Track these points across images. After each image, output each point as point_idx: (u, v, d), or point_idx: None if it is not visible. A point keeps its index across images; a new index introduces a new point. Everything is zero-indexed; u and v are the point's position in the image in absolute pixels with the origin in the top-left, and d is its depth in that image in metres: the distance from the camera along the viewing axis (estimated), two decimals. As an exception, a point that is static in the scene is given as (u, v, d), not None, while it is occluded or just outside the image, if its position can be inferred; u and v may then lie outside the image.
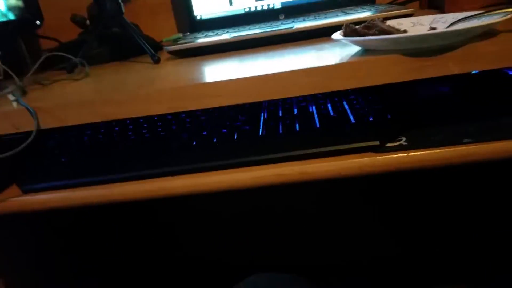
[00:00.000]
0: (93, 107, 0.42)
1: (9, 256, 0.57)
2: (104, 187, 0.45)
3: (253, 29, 0.60)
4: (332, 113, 0.48)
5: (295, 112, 0.50)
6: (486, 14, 0.42)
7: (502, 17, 0.39)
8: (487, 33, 0.41)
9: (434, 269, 0.82)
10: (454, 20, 0.44)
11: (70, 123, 0.43)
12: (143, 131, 0.51)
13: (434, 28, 0.46)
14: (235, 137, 0.46)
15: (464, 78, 0.40)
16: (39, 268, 0.63)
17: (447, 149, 0.41)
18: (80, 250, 0.74)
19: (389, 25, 0.43)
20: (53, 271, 0.66)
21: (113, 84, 0.50)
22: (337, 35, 0.44)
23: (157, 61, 0.57)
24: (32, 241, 0.63)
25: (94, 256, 0.78)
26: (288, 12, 0.71)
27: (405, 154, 0.42)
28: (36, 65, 0.54)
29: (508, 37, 0.40)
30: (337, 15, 0.61)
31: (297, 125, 0.47)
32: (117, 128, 0.53)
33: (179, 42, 0.59)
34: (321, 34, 0.56)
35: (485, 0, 0.62)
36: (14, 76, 0.51)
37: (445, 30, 0.38)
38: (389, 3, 0.75)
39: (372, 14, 0.57)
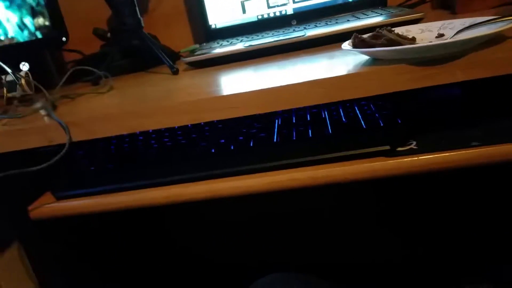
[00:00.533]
0: (119, 121, 0.45)
1: (41, 257, 0.61)
2: (129, 193, 0.49)
3: (266, 37, 0.63)
4: (344, 119, 0.50)
5: (308, 119, 0.52)
6: (494, 21, 0.43)
7: (509, 23, 0.40)
8: (495, 39, 0.42)
9: (445, 271, 0.83)
10: (462, 27, 0.45)
11: (99, 135, 0.46)
12: (165, 140, 0.54)
13: (442, 35, 0.47)
14: (251, 144, 0.49)
15: (473, 82, 0.41)
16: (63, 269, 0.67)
17: (456, 152, 0.43)
18: (93, 254, 0.77)
19: (397, 33, 0.45)
20: (71, 273, 0.70)
21: (137, 97, 0.53)
22: (346, 46, 0.46)
23: (175, 72, 0.60)
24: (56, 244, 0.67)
25: (104, 260, 0.81)
26: (300, 18, 0.73)
27: (416, 158, 0.43)
28: (64, 79, 0.57)
29: (515, 44, 0.41)
30: (348, 20, 0.63)
31: (310, 132, 0.49)
32: (141, 138, 0.56)
33: (195, 53, 0.62)
34: (332, 41, 0.57)
35: (497, -1, 0.62)
36: (44, 91, 0.55)
37: (450, 40, 0.40)
38: (400, 4, 0.75)
39: (383, 19, 0.58)
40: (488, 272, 0.82)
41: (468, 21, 0.46)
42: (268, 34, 0.66)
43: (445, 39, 0.45)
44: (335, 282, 0.47)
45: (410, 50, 0.40)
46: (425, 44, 0.39)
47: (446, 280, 0.83)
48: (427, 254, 0.85)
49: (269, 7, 0.74)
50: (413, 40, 0.46)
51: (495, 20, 0.43)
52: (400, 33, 0.45)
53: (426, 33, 0.49)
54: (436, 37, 0.47)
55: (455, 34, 0.45)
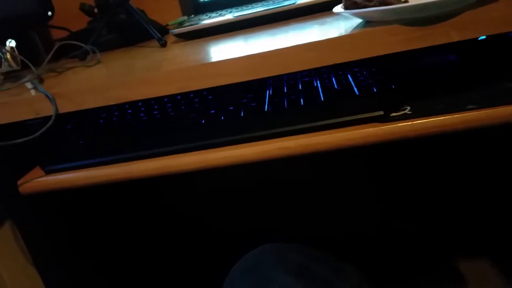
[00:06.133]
0: (106, 92, 0.44)
1: (33, 232, 0.60)
2: (119, 165, 0.48)
3: (256, 7, 0.61)
4: (336, 86, 0.49)
5: (300, 87, 0.51)
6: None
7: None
8: (488, -2, 0.40)
9: (438, 245, 0.83)
10: (456, -13, 0.44)
11: (86, 107, 0.45)
12: (154, 112, 0.53)
13: (436, -4, 0.46)
14: (242, 113, 0.48)
15: (468, 45, 0.40)
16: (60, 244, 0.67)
17: (451, 116, 0.42)
18: (88, 226, 0.77)
19: (390, -4, 0.44)
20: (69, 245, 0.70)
21: (124, 69, 0.52)
22: (338, 8, 0.44)
23: (163, 44, 0.59)
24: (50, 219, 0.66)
25: (100, 232, 0.80)
26: (291, -12, 0.71)
27: (410, 123, 0.43)
28: (50, 54, 0.56)
29: (510, 2, 0.40)
30: (340, -12, 0.61)
31: (302, 100, 0.48)
32: (130, 111, 0.55)
33: (184, 25, 0.60)
34: (324, 8, 0.56)
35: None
36: (30, 65, 0.53)
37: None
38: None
39: (375, -15, 0.56)
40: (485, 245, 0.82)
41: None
42: (258, 4, 0.64)
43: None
44: (329, 251, 0.47)
45: (404, 9, 0.38)
46: (419, 3, 0.38)
47: (439, 254, 0.83)
48: (419, 226, 0.85)
49: (260, -22, 0.71)
50: (406, 3, 0.44)
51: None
52: (393, -4, 0.44)
53: (420, -4, 0.47)
54: None
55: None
